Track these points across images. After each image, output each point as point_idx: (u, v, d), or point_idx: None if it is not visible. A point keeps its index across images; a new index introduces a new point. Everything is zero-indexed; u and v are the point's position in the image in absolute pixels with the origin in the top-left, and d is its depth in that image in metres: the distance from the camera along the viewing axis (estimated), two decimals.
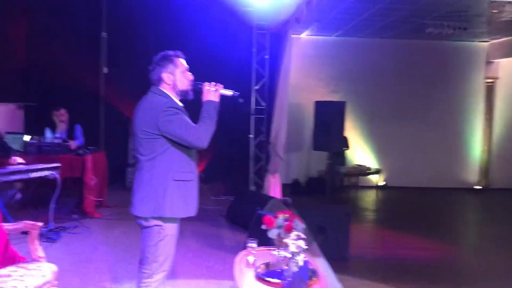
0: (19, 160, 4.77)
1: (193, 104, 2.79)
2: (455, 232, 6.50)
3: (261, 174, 7.68)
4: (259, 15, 7.00)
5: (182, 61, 2.74)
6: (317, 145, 7.22)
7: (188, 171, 2.70)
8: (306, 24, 7.66)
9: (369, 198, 8.66)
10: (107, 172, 6.39)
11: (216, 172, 7.81)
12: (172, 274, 3.98)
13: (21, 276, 2.87)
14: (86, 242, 4.88)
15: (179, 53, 2.75)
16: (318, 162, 8.42)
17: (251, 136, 7.77)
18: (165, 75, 2.68)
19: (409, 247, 5.41)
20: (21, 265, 3.03)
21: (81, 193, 5.82)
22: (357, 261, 4.81)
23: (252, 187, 7.73)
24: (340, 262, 4.52)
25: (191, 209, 2.75)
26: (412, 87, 9.13)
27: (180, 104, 2.73)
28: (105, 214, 5.90)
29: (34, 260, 3.12)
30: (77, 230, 5.25)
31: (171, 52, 2.73)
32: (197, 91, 2.74)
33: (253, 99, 7.71)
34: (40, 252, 3.16)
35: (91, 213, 5.80)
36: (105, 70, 7.27)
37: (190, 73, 2.77)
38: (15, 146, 5.78)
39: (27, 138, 5.78)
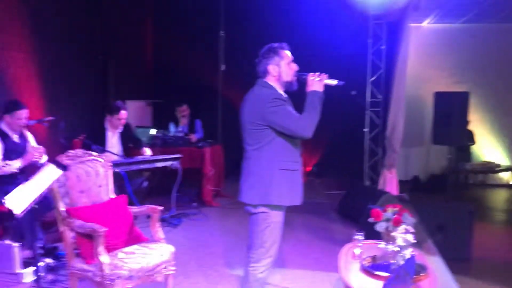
0: (148, 151, 5.23)
1: (297, 94, 2.82)
2: None
3: (377, 169, 7.45)
4: (375, 4, 6.77)
5: (287, 52, 2.79)
6: (437, 139, 6.77)
7: (293, 161, 2.75)
8: (426, 12, 7.23)
9: (498, 198, 7.91)
10: (224, 164, 6.70)
11: (329, 166, 7.77)
12: (280, 263, 4.08)
13: (143, 254, 3.15)
14: (203, 228, 5.19)
15: (284, 44, 2.80)
16: (440, 158, 7.90)
17: (366, 130, 7.57)
18: (271, 67, 2.74)
19: None
20: (143, 244, 3.33)
21: (200, 183, 6.20)
22: (479, 263, 4.44)
23: (367, 182, 7.52)
24: (460, 263, 4.21)
25: (297, 198, 2.79)
26: None
27: (285, 95, 2.78)
28: (222, 203, 6.20)
29: (155, 241, 3.41)
30: (196, 217, 5.62)
31: (276, 44, 2.79)
32: (302, 82, 2.76)
33: (368, 92, 7.50)
34: (160, 234, 3.44)
35: (209, 202, 6.16)
36: (223, 67, 7.61)
37: (295, 64, 2.79)
38: (144, 138, 6.35)
39: (153, 131, 6.32)
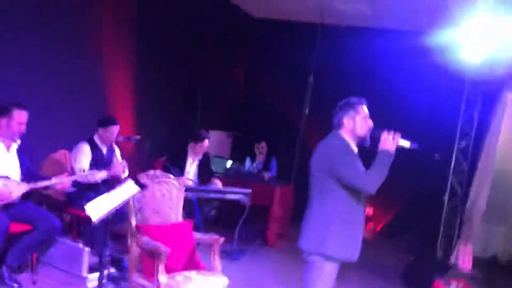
0: (219, 183, 5.40)
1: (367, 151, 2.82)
2: None
3: (451, 241, 7.03)
4: (472, 70, 6.58)
5: (364, 108, 2.83)
6: None
7: (354, 214, 2.74)
8: None
9: None
10: (292, 206, 6.70)
11: (401, 228, 7.47)
12: None
13: (199, 281, 3.25)
14: (261, 268, 5.20)
15: (362, 100, 2.86)
16: None
17: (446, 198, 7.21)
18: (345, 120, 2.80)
19: None
20: (201, 272, 3.42)
21: (266, 222, 6.23)
22: None
23: (439, 253, 7.12)
24: None
25: (353, 253, 2.78)
26: None
27: (355, 149, 2.80)
28: (284, 246, 6.16)
29: (212, 270, 3.49)
30: (257, 255, 5.64)
31: (355, 99, 2.86)
32: (375, 139, 2.76)
33: (453, 159, 7.20)
34: (218, 264, 3.53)
35: (272, 243, 6.15)
36: (306, 111, 7.72)
37: (371, 120, 2.82)
38: (219, 169, 6.56)
39: (229, 163, 6.51)
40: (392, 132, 2.74)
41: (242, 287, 4.46)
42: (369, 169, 2.68)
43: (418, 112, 7.21)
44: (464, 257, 6.25)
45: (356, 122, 2.80)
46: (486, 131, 6.25)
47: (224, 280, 3.37)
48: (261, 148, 6.90)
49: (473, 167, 6.59)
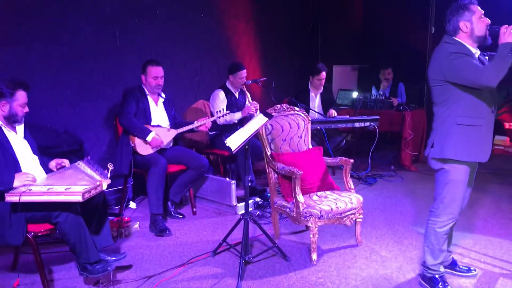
0: (334, 113, 5.52)
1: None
2: None
3: None
4: None
5: (477, 7, 2.71)
6: None
7: (474, 116, 2.70)
8: None
9: None
10: (425, 129, 6.55)
11: None
12: (474, 229, 3.99)
13: (334, 199, 3.51)
14: (397, 189, 5.28)
15: None
16: None
17: None
18: (462, 24, 2.70)
19: None
20: (335, 192, 3.69)
21: (399, 147, 6.23)
22: None
23: None
24: None
25: (479, 154, 2.75)
26: None
27: (477, 51, 2.71)
28: (420, 168, 6.13)
29: (346, 190, 3.73)
30: (392, 179, 5.73)
31: (465, 0, 2.72)
32: (494, 35, 2.64)
33: None
34: (351, 184, 3.75)
35: (407, 166, 6.16)
36: (433, 30, 7.29)
37: (487, 18, 2.70)
38: (346, 101, 6.66)
39: (355, 94, 6.56)
40: (511, 26, 2.58)
41: (379, 206, 4.65)
42: (488, 63, 2.61)
43: None
44: None
45: (474, 23, 2.69)
46: None
47: (359, 197, 3.58)
48: (387, 75, 6.78)
49: None
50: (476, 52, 2.74)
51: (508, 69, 2.52)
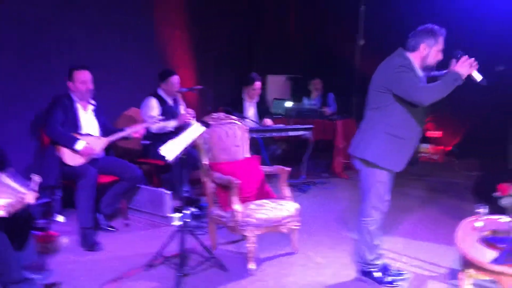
0: (269, 122, 5.59)
1: None
2: None
3: None
4: None
5: (442, 41, 2.86)
6: None
7: (403, 129, 2.88)
8: None
9: None
10: None
11: (471, 148, 7.33)
12: (404, 234, 4.17)
13: (271, 207, 3.52)
14: (331, 196, 5.42)
15: (443, 31, 2.88)
16: None
17: None
18: (423, 46, 2.84)
19: None
20: (272, 200, 3.69)
21: (331, 155, 6.41)
22: None
23: (510, 165, 6.94)
24: None
25: (396, 164, 2.94)
26: None
27: (420, 73, 2.88)
28: (352, 175, 6.32)
29: (282, 198, 3.75)
30: (325, 186, 5.87)
31: (437, 28, 2.87)
32: (455, 58, 2.76)
33: None
34: (287, 192, 3.77)
35: (339, 174, 6.34)
36: (362, 42, 7.58)
37: (442, 54, 2.87)
38: (280, 110, 6.74)
39: (289, 104, 6.67)
40: (472, 60, 2.69)
41: (314, 213, 4.73)
42: (431, 84, 2.77)
43: (485, 38, 6.85)
44: None
45: (431, 52, 2.85)
46: None
47: (295, 205, 3.61)
48: (315, 85, 6.99)
49: None
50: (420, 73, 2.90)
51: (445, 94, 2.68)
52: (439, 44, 2.86)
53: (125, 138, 4.17)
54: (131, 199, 4.54)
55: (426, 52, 2.84)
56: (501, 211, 3.00)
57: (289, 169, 3.79)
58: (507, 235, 2.60)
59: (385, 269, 3.23)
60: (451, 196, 5.55)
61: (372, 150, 2.92)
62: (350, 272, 3.36)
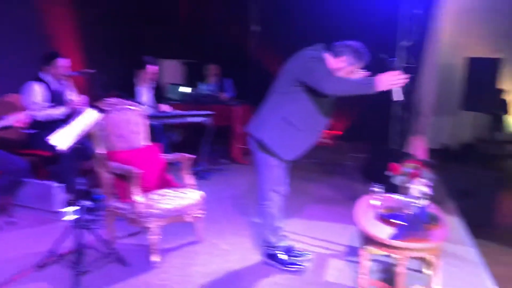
0: (165, 108, 5.42)
1: None
2: None
3: (405, 136, 7.43)
4: None
5: (359, 66, 2.89)
6: (468, 104, 6.71)
7: (302, 119, 2.91)
8: None
9: None
10: None
11: (359, 131, 7.81)
12: (303, 216, 4.30)
13: (174, 196, 3.39)
14: (231, 182, 5.42)
15: (367, 56, 2.89)
16: (472, 127, 7.79)
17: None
18: (343, 58, 2.87)
19: None
20: (175, 188, 3.57)
21: (230, 141, 6.40)
22: (503, 229, 4.50)
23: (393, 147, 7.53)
24: (483, 229, 4.28)
25: (285, 152, 2.99)
26: None
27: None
28: (251, 160, 6.37)
29: (185, 186, 3.64)
30: (225, 172, 5.85)
31: (365, 53, 2.88)
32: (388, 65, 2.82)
33: (400, 57, 7.40)
34: (190, 180, 3.67)
35: (238, 159, 6.37)
36: (257, 28, 7.63)
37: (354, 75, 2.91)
38: (175, 95, 6.55)
39: (184, 89, 6.51)
40: (402, 77, 2.56)
41: (216, 200, 4.68)
42: (346, 77, 2.84)
43: (362, 14, 7.23)
44: (419, 149, 6.67)
45: (345, 68, 2.88)
46: (429, 27, 6.43)
47: (199, 193, 3.52)
48: (211, 70, 6.89)
49: (419, 63, 6.83)
50: None
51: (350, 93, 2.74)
52: (354, 67, 2.89)
53: (4, 128, 3.72)
54: (16, 194, 4.09)
55: (343, 65, 2.88)
56: (392, 189, 3.22)
57: (193, 156, 3.68)
58: (401, 212, 2.78)
59: (289, 251, 3.29)
60: (342, 177, 5.87)
61: (267, 132, 2.95)
62: (255, 257, 3.38)
